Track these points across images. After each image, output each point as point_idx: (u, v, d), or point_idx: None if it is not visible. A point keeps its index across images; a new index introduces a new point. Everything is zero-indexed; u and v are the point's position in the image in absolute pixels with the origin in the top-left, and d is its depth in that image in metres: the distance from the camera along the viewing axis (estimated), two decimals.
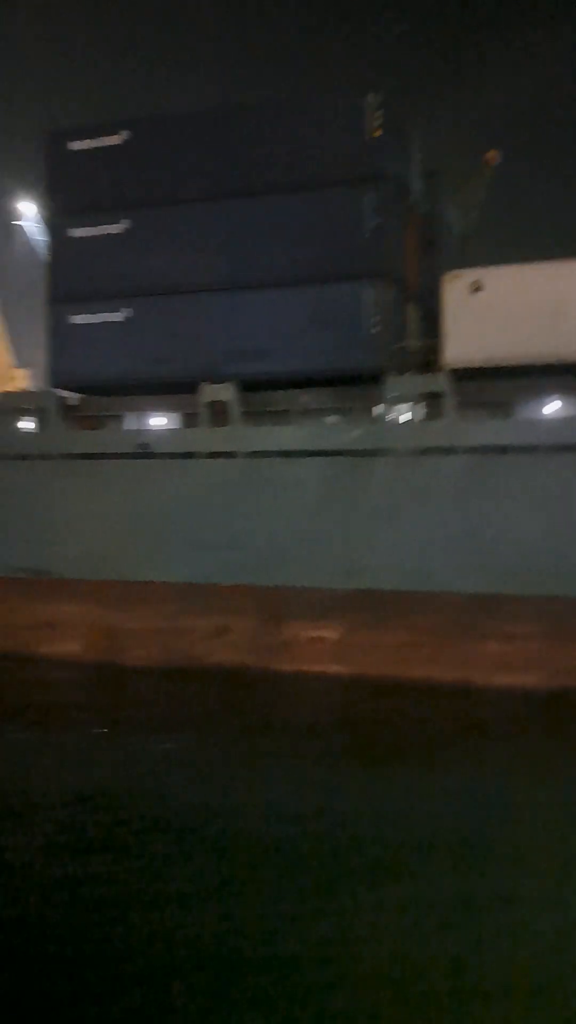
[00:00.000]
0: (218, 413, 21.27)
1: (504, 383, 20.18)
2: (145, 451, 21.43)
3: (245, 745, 15.89)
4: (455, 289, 19.90)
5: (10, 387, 24.98)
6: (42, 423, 22.75)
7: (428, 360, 20.80)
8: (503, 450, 19.25)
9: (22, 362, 27.09)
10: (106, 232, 22.18)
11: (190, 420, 22.16)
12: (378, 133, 20.11)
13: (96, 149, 22.36)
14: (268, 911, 9.36)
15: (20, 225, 25.71)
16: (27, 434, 22.88)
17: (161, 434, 21.98)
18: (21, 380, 26.46)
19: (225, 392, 20.97)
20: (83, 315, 22.39)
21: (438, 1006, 7.71)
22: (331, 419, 21.56)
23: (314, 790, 13.45)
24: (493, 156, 25.30)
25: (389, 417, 20.40)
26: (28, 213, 25.59)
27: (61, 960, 8.46)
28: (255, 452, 20.80)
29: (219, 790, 13.65)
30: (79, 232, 22.39)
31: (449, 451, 19.47)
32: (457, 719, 17.38)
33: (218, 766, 14.85)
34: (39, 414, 22.80)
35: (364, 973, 8.18)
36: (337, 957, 8.43)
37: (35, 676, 21.36)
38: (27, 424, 23.14)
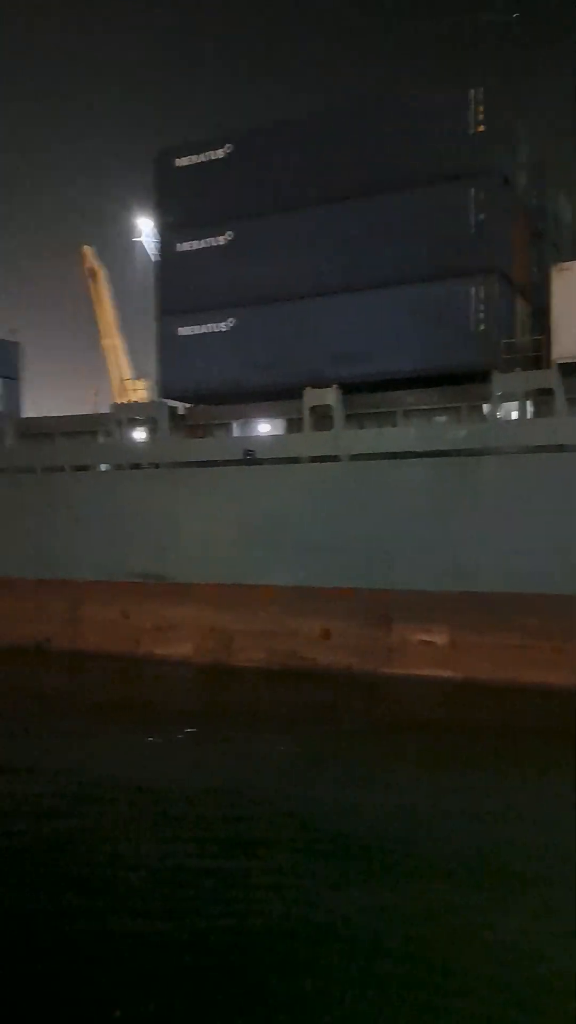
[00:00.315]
0: (322, 417, 21.40)
1: None
2: (251, 457, 21.79)
3: (371, 746, 15.77)
4: (563, 281, 19.26)
5: (130, 398, 26.05)
6: (153, 433, 23.54)
7: (537, 356, 20.20)
8: None
9: (144, 374, 28.16)
10: (211, 244, 22.82)
11: (294, 425, 22.39)
12: (482, 128, 19.78)
13: (201, 164, 23.07)
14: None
15: (139, 241, 26.88)
16: (140, 444, 23.71)
17: (266, 440, 22.30)
18: (140, 391, 27.49)
19: (329, 396, 21.06)
20: (190, 326, 23.09)
21: None
22: (438, 419, 21.26)
23: (459, 794, 13.30)
24: None
25: (497, 415, 19.92)
26: (146, 229, 26.66)
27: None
28: (359, 455, 20.76)
29: (347, 790, 13.52)
30: (185, 246, 23.14)
31: (560, 449, 18.80)
32: None
33: (345, 766, 14.75)
34: (151, 424, 23.60)
35: None
36: None
37: (153, 676, 22.07)
38: (140, 434, 23.99)
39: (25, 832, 11.91)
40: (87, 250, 64.42)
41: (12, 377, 47.83)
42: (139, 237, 27.23)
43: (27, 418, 29.40)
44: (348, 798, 13.14)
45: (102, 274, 64.94)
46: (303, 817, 12.37)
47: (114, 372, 63.68)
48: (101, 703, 19.49)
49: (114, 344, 63.83)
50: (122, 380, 62.14)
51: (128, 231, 28.37)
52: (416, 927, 9.03)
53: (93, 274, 64.51)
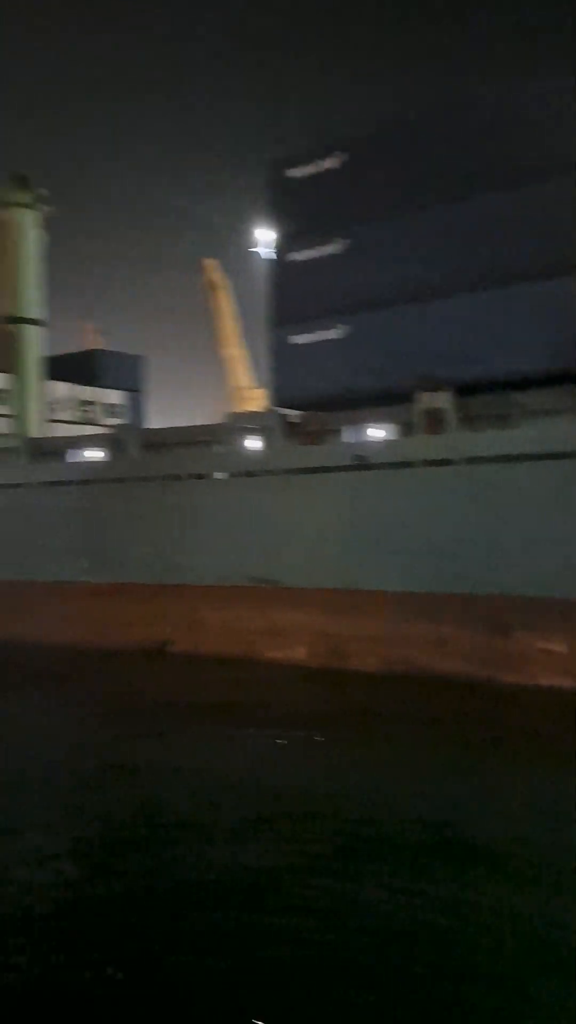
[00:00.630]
0: (435, 421, 21.16)
1: None
2: (362, 463, 21.83)
3: (509, 755, 15.41)
4: None
5: (250, 406, 26.75)
6: (266, 441, 23.98)
7: None
8: None
9: (264, 383, 28.75)
10: (323, 253, 23.08)
11: (408, 430, 22.26)
12: None
13: (312, 174, 23.41)
14: None
15: (257, 251, 27.57)
16: (253, 452, 24.21)
17: (378, 445, 22.27)
18: (260, 399, 28.12)
19: (442, 399, 20.81)
20: (302, 335, 23.44)
21: None
22: (555, 420, 20.59)
23: None
24: None
25: None
26: (264, 240, 27.28)
27: None
28: (474, 458, 20.39)
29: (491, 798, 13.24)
30: (298, 256, 23.52)
31: None
32: None
33: (484, 775, 14.42)
34: (264, 432, 24.05)
35: None
36: None
37: (268, 679, 22.38)
38: (254, 442, 24.49)
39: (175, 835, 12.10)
40: (209, 263, 66.47)
41: (137, 389, 50.12)
42: (258, 248, 27.94)
43: (148, 429, 30.62)
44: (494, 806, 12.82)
45: (224, 285, 66.84)
46: (446, 825, 12.15)
47: (234, 381, 65.34)
48: (226, 705, 19.88)
49: (234, 354, 65.63)
50: (242, 389, 63.70)
51: (247, 243, 29.13)
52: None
53: (214, 286, 66.47)
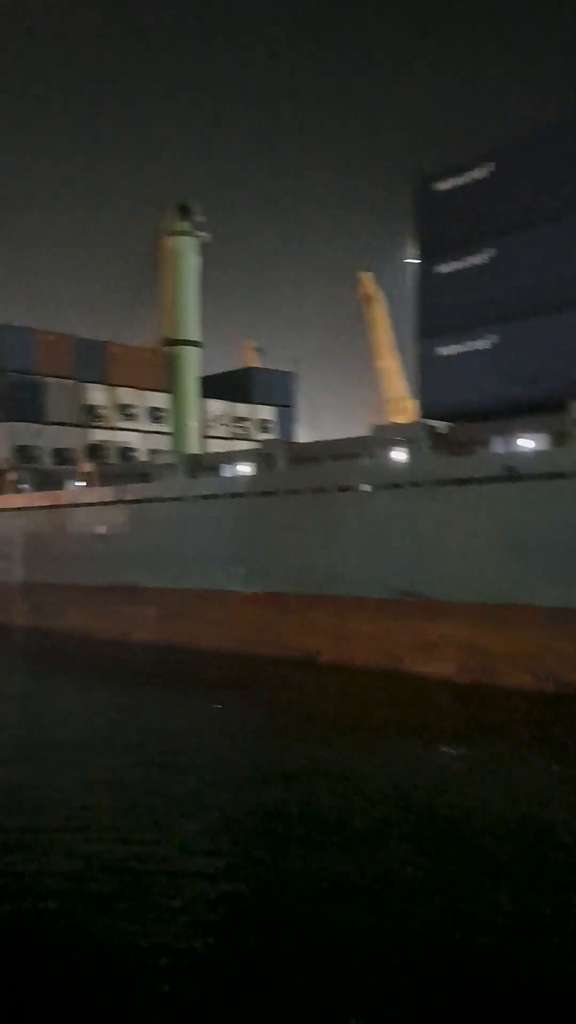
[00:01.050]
0: None
1: None
2: (512, 473, 21.34)
3: None
4: None
5: (403, 416, 26.79)
6: (413, 452, 23.96)
7: None
8: None
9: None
10: (471, 264, 22.88)
11: (560, 439, 21.55)
12: None
13: (460, 186, 23.30)
14: None
15: (410, 263, 27.71)
16: (400, 464, 24.25)
17: (529, 455, 21.71)
18: (413, 410, 28.11)
19: None
20: (450, 346, 23.31)
21: None
22: None
23: None
24: None
25: None
26: (415, 252, 27.33)
27: None
28: None
29: None
30: (444, 267, 23.45)
31: None
32: None
33: None
34: (410, 444, 24.05)
35: None
36: None
37: (417, 692, 22.26)
38: (400, 454, 24.52)
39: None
40: (364, 276, 67.20)
41: (288, 405, 51.49)
42: (410, 260, 28.07)
43: (295, 443, 31.39)
44: None
45: (378, 298, 67.32)
46: None
47: (389, 392, 65.50)
48: (380, 716, 19.97)
49: (389, 366, 65.93)
50: (397, 400, 63.75)
51: (400, 255, 29.26)
52: None
53: (369, 299, 67.08)
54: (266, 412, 49.32)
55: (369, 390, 65.31)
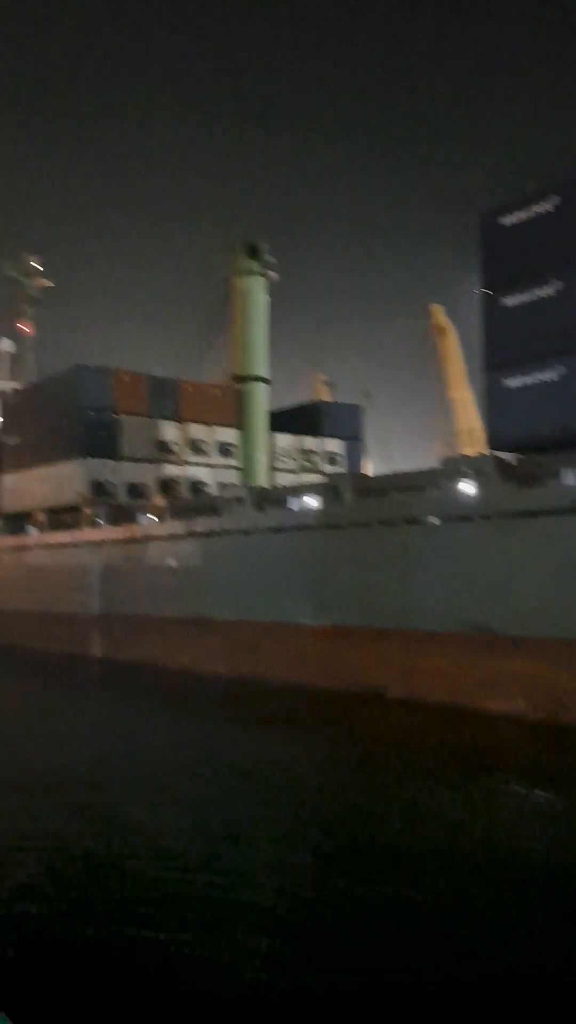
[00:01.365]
0: None
1: None
2: None
3: None
4: None
5: (477, 447, 26.56)
6: (481, 484, 23.82)
7: None
8: None
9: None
10: (537, 296, 22.84)
11: None
12: None
13: (526, 220, 23.36)
14: None
15: (479, 294, 27.73)
16: (468, 496, 24.12)
17: None
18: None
19: None
20: (517, 378, 23.21)
21: None
22: None
23: None
24: None
25: None
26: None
27: None
28: None
29: None
30: (510, 300, 23.46)
31: None
32: None
33: None
34: (479, 476, 23.92)
35: None
36: None
37: (488, 729, 21.80)
38: (468, 486, 24.40)
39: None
40: (435, 307, 67.54)
41: (356, 438, 51.79)
42: (479, 291, 28.13)
43: (361, 475, 31.53)
44: None
45: (449, 329, 67.54)
46: None
47: (461, 423, 65.25)
48: (456, 753, 19.67)
49: (461, 396, 65.78)
50: (469, 431, 63.39)
51: (470, 286, 29.37)
52: None
53: (441, 330, 67.40)
54: (334, 445, 49.67)
55: (441, 421, 65.15)
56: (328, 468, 47.70)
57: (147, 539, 34.75)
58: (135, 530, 35.62)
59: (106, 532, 37.22)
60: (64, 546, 39.84)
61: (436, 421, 64.97)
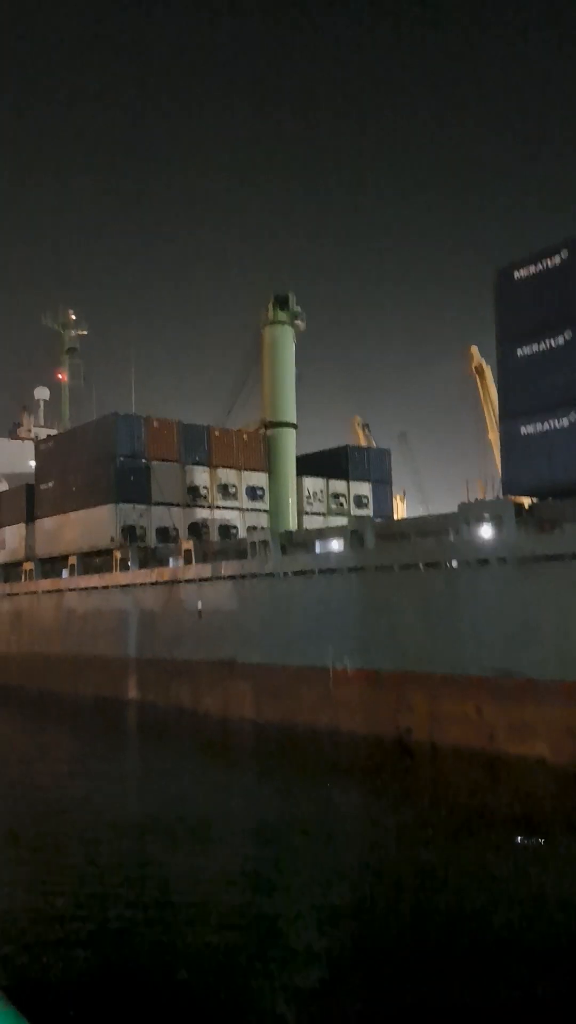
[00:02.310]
0: None
1: None
2: None
3: None
4: None
5: None
6: (500, 529, 24.22)
7: None
8: None
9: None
10: (550, 346, 23.48)
11: None
12: None
13: (538, 273, 24.12)
14: None
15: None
16: (487, 540, 24.53)
17: None
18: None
19: None
20: (532, 424, 23.76)
21: None
22: None
23: None
24: None
25: None
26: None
27: None
28: None
29: None
30: (525, 350, 24.13)
31: None
32: None
33: None
34: (496, 520, 24.34)
35: None
36: None
37: (516, 775, 21.82)
38: (486, 530, 24.82)
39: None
40: (473, 349, 68.51)
41: (384, 482, 52.37)
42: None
43: (383, 521, 32.06)
44: None
45: (488, 370, 68.31)
46: None
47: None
48: (486, 805, 19.62)
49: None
50: None
51: None
52: None
53: (480, 371, 68.27)
54: (363, 488, 50.31)
55: (481, 462, 65.41)
56: (356, 511, 48.29)
57: (175, 582, 35.53)
58: (164, 573, 36.45)
59: (136, 575, 38.11)
60: (96, 589, 40.80)
61: (475, 462, 65.27)
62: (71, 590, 43.00)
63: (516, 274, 24.68)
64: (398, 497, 68.98)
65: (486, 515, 24.44)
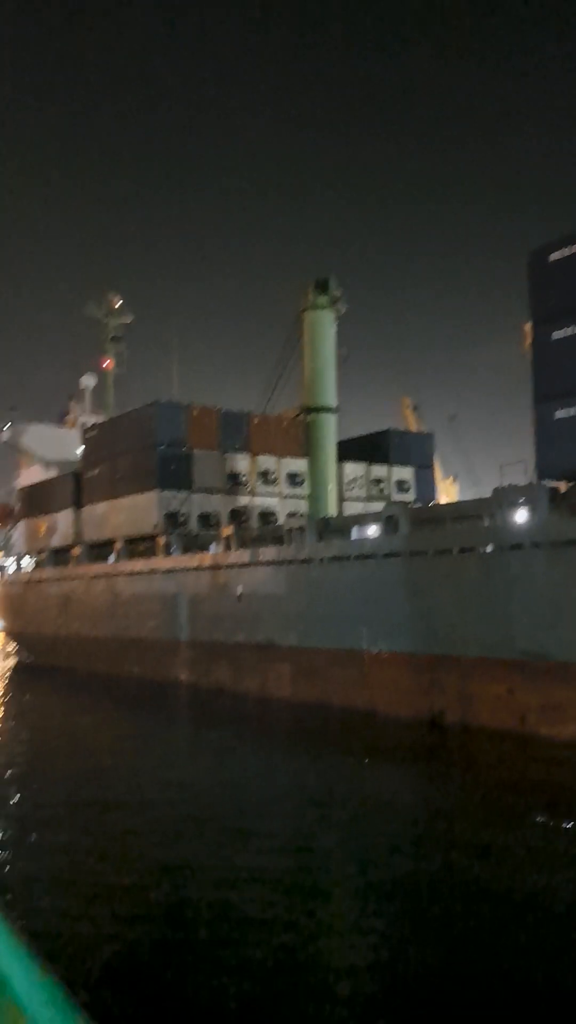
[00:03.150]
0: None
1: None
2: None
3: None
4: None
5: None
6: (533, 513, 24.20)
7: None
8: None
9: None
10: None
11: None
12: None
13: (572, 255, 23.87)
14: None
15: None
16: (520, 525, 24.53)
17: None
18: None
19: None
20: (566, 409, 23.62)
21: None
22: None
23: None
24: None
25: None
26: None
27: None
28: None
29: None
30: (559, 334, 23.95)
31: None
32: None
33: None
34: (530, 504, 24.32)
35: None
36: None
37: (549, 757, 21.95)
38: (520, 515, 24.81)
39: None
40: (528, 327, 66.93)
41: (426, 466, 52.20)
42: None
43: (418, 507, 32.16)
44: None
45: None
46: None
47: None
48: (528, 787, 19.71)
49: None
50: None
51: None
52: None
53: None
54: (404, 473, 50.23)
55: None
56: (398, 496, 48.30)
57: (215, 567, 36.22)
58: (205, 559, 37.17)
59: (178, 560, 38.93)
60: (140, 574, 41.79)
61: (530, 443, 64.44)
62: (116, 575, 44.10)
63: (551, 256, 24.47)
64: (449, 480, 68.24)
65: (520, 500, 24.42)
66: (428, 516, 28.67)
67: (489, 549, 25.24)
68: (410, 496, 49.40)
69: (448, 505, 28.05)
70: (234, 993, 9.63)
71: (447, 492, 65.21)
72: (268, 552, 33.32)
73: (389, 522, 28.49)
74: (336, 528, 32.29)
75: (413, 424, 66.71)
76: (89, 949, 10.73)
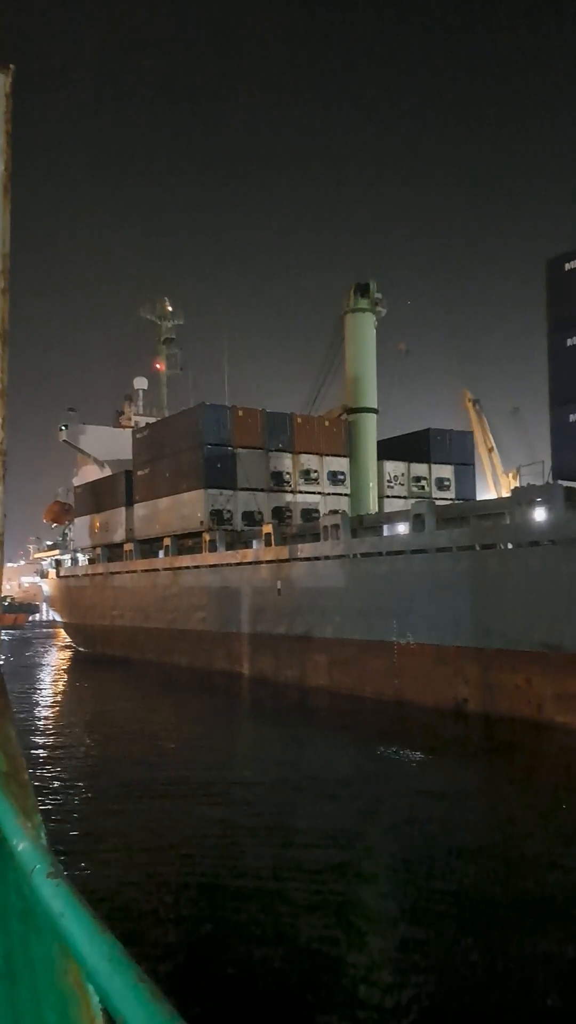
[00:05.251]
0: None
1: None
2: None
3: None
4: None
5: None
6: (550, 512, 25.35)
7: None
8: None
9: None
10: None
11: None
12: None
13: None
14: None
15: None
16: (537, 523, 25.70)
17: None
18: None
19: None
20: None
21: None
22: None
23: None
24: None
25: None
26: None
27: None
28: None
29: None
30: (574, 340, 25.04)
31: None
32: None
33: None
34: (548, 504, 25.48)
35: None
36: None
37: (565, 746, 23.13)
38: (539, 513, 25.97)
39: None
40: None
41: (467, 464, 53.17)
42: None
43: (445, 505, 33.46)
44: None
45: None
46: None
47: None
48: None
49: None
50: None
51: None
52: None
53: None
54: (445, 471, 51.34)
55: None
56: (438, 494, 49.46)
57: (258, 563, 38.12)
58: (247, 555, 39.09)
59: (222, 556, 40.96)
60: (187, 569, 44.01)
61: None
62: (165, 569, 46.42)
63: (567, 266, 25.55)
64: (511, 474, 67.89)
65: (538, 499, 25.61)
66: (453, 514, 29.98)
67: (509, 546, 26.47)
68: (451, 493, 50.51)
69: (472, 503, 29.25)
70: (277, 967, 10.02)
71: (507, 487, 64.90)
72: (305, 548, 35.03)
73: (417, 520, 29.91)
74: (369, 525, 33.82)
75: (474, 419, 65.43)
76: (149, 917, 11.32)
